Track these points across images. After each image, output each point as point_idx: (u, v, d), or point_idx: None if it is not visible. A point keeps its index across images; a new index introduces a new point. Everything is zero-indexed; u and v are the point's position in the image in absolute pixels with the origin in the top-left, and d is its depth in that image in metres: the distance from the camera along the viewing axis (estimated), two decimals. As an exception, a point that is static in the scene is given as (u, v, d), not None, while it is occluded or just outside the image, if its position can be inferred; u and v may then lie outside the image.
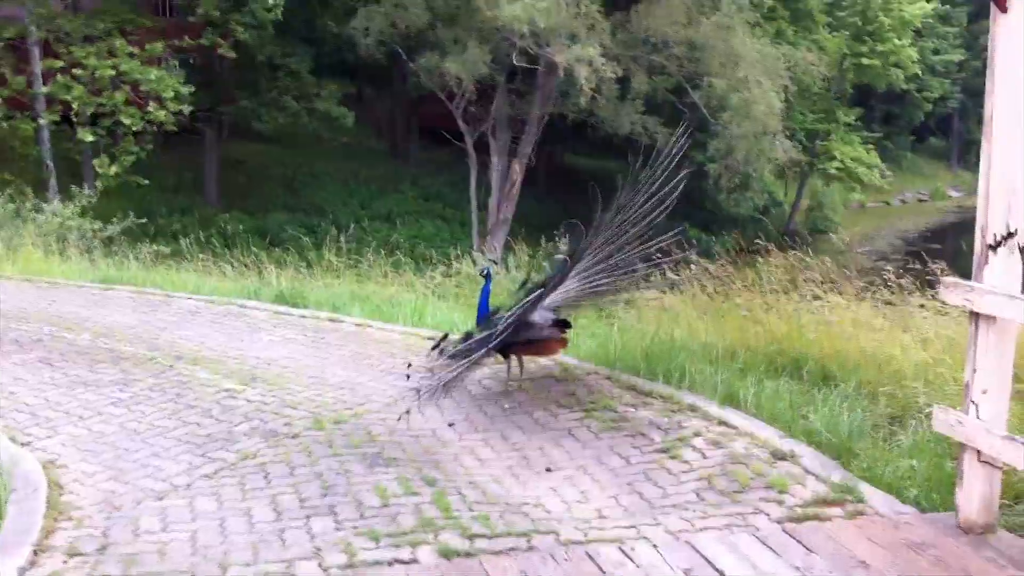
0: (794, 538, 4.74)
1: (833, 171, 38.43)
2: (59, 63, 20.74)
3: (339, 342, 9.05)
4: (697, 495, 5.43)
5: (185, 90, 21.25)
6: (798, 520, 5.00)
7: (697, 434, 6.30)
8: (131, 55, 21.08)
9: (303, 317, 9.96)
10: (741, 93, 24.97)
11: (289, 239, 19.27)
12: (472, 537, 4.92)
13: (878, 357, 7.13)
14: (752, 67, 24.95)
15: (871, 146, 40.30)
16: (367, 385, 7.69)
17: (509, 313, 7.05)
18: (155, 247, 15.24)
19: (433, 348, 7.02)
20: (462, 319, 9.76)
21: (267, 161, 30.28)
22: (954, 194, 51.78)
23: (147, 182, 20.96)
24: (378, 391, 7.52)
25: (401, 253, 15.48)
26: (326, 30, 27.57)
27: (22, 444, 6.41)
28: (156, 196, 23.39)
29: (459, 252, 17.02)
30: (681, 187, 7.19)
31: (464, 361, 6.74)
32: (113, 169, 20.02)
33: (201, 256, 13.68)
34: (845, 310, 8.29)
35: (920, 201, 49.81)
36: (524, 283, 7.93)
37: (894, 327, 7.52)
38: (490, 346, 6.85)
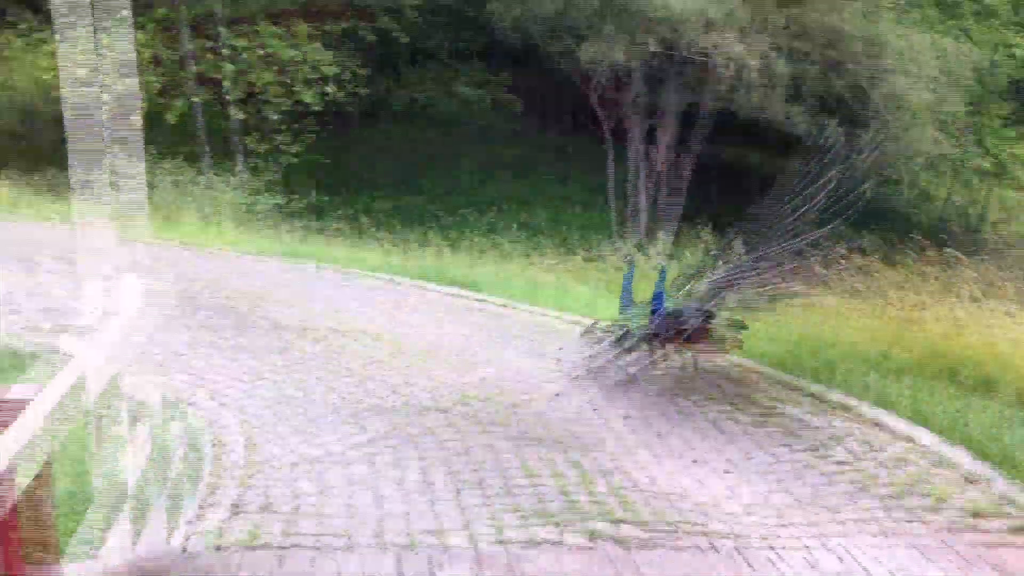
0: (953, 548, 4.60)
1: (987, 166, 36.65)
2: (243, 43, 21.53)
3: (484, 321, 9.20)
4: (850, 497, 5.32)
5: (361, 71, 21.93)
6: (958, 531, 4.84)
7: (849, 434, 6.17)
8: (309, 36, 21.87)
9: (447, 295, 10.17)
10: (910, 86, 24.03)
11: (431, 219, 19.65)
12: (618, 522, 4.94)
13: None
14: (918, 60, 24.03)
15: (1027, 143, 38.24)
16: (511, 364, 7.80)
17: (680, 304, 7.04)
18: (333, 224, 15.79)
19: (583, 334, 7.07)
20: (605, 305, 9.78)
21: (404, 142, 30.81)
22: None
23: (327, 160, 21.64)
24: (522, 370, 7.61)
25: (567, 241, 15.59)
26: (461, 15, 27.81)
27: (220, 403, 6.78)
28: (329, 176, 24.25)
29: (622, 241, 17.12)
30: (865, 195, 6.99)
31: (627, 347, 6.76)
32: (296, 147, 20.77)
33: (377, 234, 14.18)
34: (1007, 314, 7.98)
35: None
36: (686, 275, 7.89)
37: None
38: (646, 333, 6.85)
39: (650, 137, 26.40)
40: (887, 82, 23.69)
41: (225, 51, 21.34)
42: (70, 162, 4.69)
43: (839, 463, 5.79)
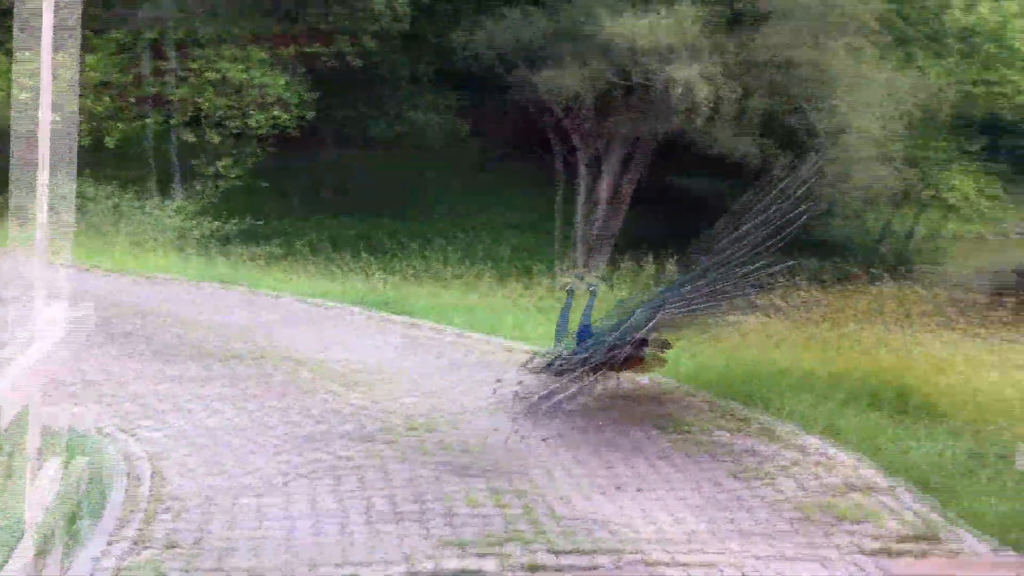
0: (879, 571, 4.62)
1: (951, 201, 37.16)
2: (194, 65, 21.48)
3: (439, 351, 9.17)
4: (791, 525, 5.33)
5: (308, 96, 21.85)
6: (893, 555, 4.87)
7: (795, 464, 6.20)
8: (262, 61, 21.77)
9: (405, 324, 10.12)
10: (858, 119, 24.38)
11: (396, 246, 19.56)
12: (559, 553, 4.92)
13: (989, 395, 6.90)
14: (869, 92, 24.37)
15: (992, 176, 38.88)
16: (463, 395, 7.76)
17: (613, 331, 7.03)
18: (268, 249, 15.67)
19: (524, 364, 7.07)
20: (542, 332, 9.79)
21: (369, 168, 30.81)
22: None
23: (266, 184, 21.55)
24: (473, 401, 7.58)
25: (502, 265, 15.60)
26: (431, 41, 27.91)
27: (129, 433, 6.67)
28: (265, 201, 24.06)
29: (562, 267, 17.14)
30: (800, 219, 7.05)
31: (576, 377, 6.75)
32: (236, 171, 20.66)
33: (311, 259, 14.03)
34: (957, 345, 8.07)
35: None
36: (623, 302, 7.93)
37: (1008, 365, 7.27)
38: (577, 360, 6.84)
39: (601, 164, 26.64)
40: (835, 114, 23.98)
41: (182, 73, 21.27)
42: (9, 186, 4.66)
43: (781, 492, 5.80)
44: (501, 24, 24.51)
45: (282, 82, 21.77)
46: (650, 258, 13.73)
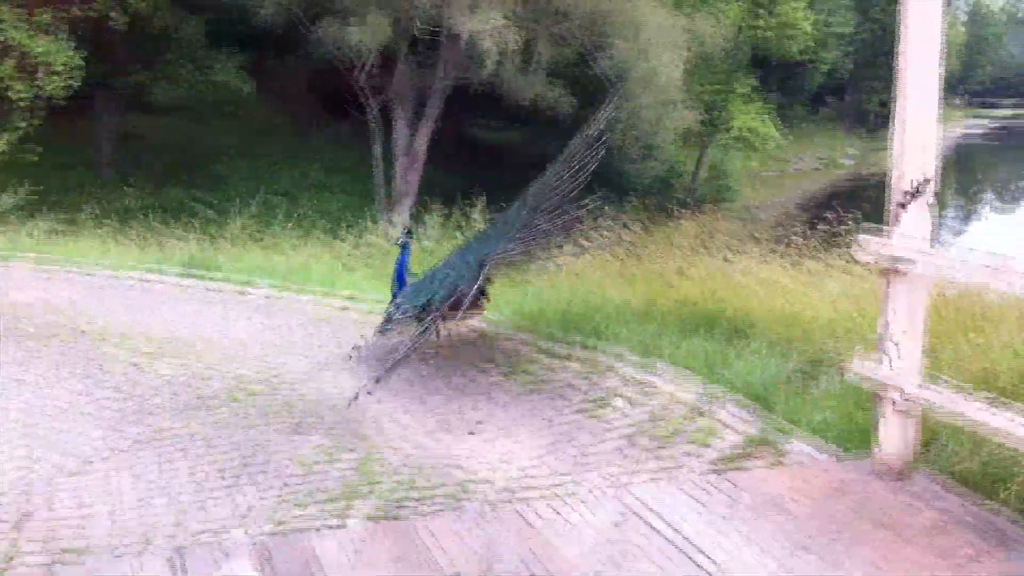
0: (717, 488, 4.81)
1: (731, 140, 39.12)
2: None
3: (249, 313, 8.88)
4: (620, 452, 5.49)
5: (76, 60, 20.42)
6: (720, 471, 5.09)
7: (617, 394, 6.37)
8: (18, 25, 20.14)
9: (210, 290, 9.74)
10: (646, 62, 25.15)
11: (189, 213, 18.73)
12: (400, 501, 4.89)
13: (787, 315, 7.28)
14: (655, 36, 25.14)
15: (767, 115, 41.14)
16: (280, 357, 7.56)
17: (448, 281, 6.97)
18: (49, 223, 14.71)
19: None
20: (373, 288, 9.68)
21: (163, 134, 29.39)
22: (847, 161, 53.26)
23: (36, 157, 20.13)
24: (291, 362, 7.41)
25: (306, 226, 15.28)
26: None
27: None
28: (48, 171, 22.51)
29: (367, 223, 16.88)
30: (599, 157, 7.21)
31: (419, 332, 6.64)
32: (1, 143, 19.18)
33: (99, 231, 13.24)
34: (753, 271, 8.46)
35: (816, 169, 51.07)
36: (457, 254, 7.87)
37: (802, 286, 7.69)
38: (435, 314, 6.74)
39: (416, 121, 26.48)
40: (644, 62, 24.69)
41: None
42: None
43: (607, 421, 5.96)
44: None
45: (41, 47, 20.30)
46: (455, 208, 13.69)
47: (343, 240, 14.08)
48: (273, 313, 8.88)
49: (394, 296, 7.36)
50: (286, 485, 5.18)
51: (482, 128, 36.71)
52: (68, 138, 25.34)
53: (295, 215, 15.52)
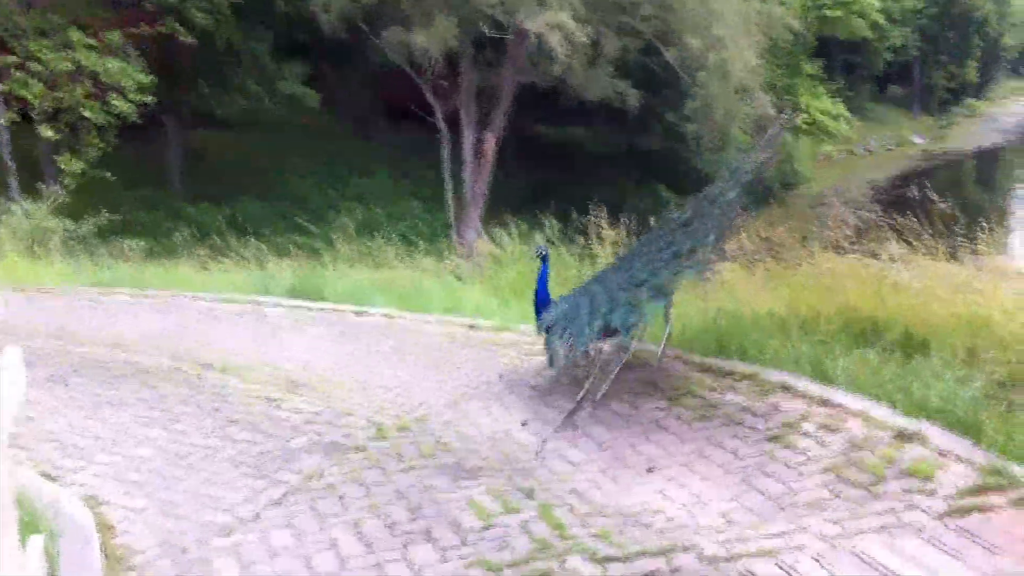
0: (966, 536, 4.22)
1: (802, 124, 38.12)
2: (12, 59, 19.63)
3: (373, 337, 8.41)
4: (830, 490, 4.89)
5: (146, 80, 20.26)
6: (960, 513, 4.47)
7: (803, 417, 5.76)
8: (89, 47, 20.02)
9: (324, 311, 9.28)
10: (717, 52, 24.40)
11: (273, 229, 18.43)
12: (603, 561, 4.36)
13: (970, 320, 6.62)
14: (728, 24, 24.38)
15: (837, 97, 40.13)
16: (418, 384, 7.08)
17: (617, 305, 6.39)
18: (133, 242, 14.46)
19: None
20: (499, 305, 9.19)
21: (229, 148, 29.26)
22: (917, 140, 51.84)
23: (113, 177, 19.97)
24: (431, 390, 6.92)
25: (383, 236, 14.88)
26: (279, 10, 26.59)
27: (52, 479, 5.76)
28: (119, 192, 22.39)
29: (442, 227, 16.48)
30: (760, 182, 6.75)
31: (609, 367, 6.06)
32: (78, 165, 19.03)
33: (190, 252, 12.92)
34: (913, 267, 7.79)
35: (888, 149, 49.71)
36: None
37: (987, 285, 7.00)
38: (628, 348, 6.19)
39: (484, 123, 26.01)
40: (716, 51, 23.96)
41: (33, 65, 19.40)
42: None
43: (802, 451, 5.36)
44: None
45: (113, 67, 20.16)
46: (526, 213, 13.16)
47: (425, 251, 13.64)
48: (397, 337, 8.38)
49: (538, 313, 6.79)
50: (466, 542, 4.69)
51: (547, 126, 36.13)
52: (136, 157, 25.26)
53: (371, 223, 15.12)
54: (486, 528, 4.79)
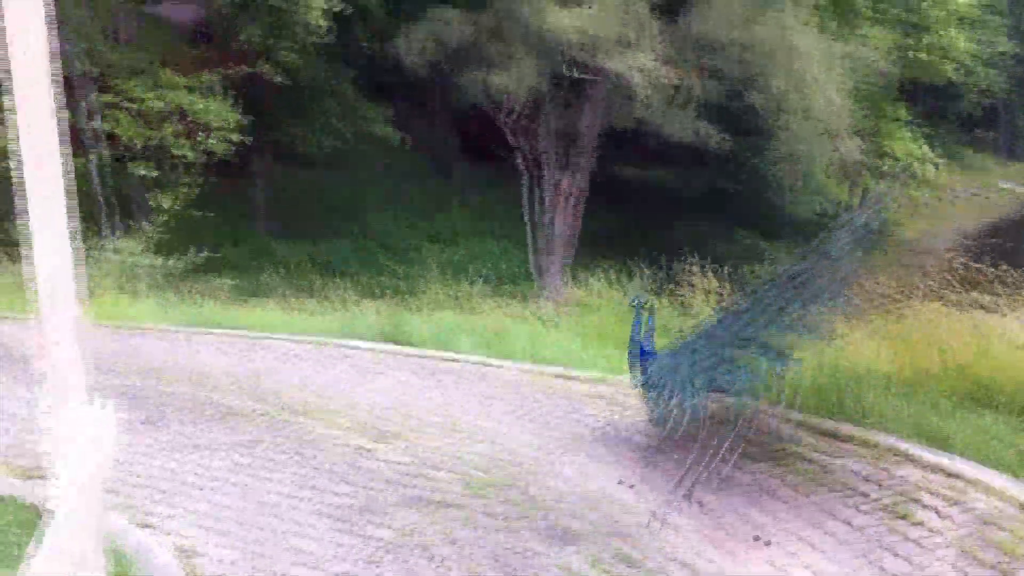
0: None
1: (887, 168, 37.35)
2: (108, 97, 20.15)
3: (459, 384, 8.24)
4: (958, 570, 4.57)
5: (236, 118, 20.63)
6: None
7: (918, 486, 5.44)
8: (181, 86, 20.48)
9: (409, 356, 9.15)
10: (801, 92, 24.04)
11: (352, 266, 18.50)
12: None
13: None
14: (812, 65, 24.02)
15: (924, 140, 39.27)
16: (507, 435, 6.89)
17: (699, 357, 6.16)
18: (220, 280, 14.59)
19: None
20: (581, 349, 8.98)
21: (312, 186, 29.63)
22: (1005, 186, 50.45)
23: (209, 214, 20.29)
24: (522, 442, 6.72)
25: (468, 278, 14.80)
26: (362, 51, 27.01)
27: (144, 526, 5.67)
28: (206, 229, 22.78)
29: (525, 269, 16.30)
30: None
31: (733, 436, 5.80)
32: (170, 202, 19.37)
33: (276, 290, 12.98)
34: (986, 317, 7.41)
35: (973, 195, 48.45)
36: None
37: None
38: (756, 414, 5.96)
39: (564, 163, 25.93)
40: (799, 92, 23.63)
41: (126, 103, 19.90)
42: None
43: (925, 525, 5.04)
44: (429, 27, 23.68)
45: (212, 107, 20.58)
46: (634, 258, 12.92)
47: (509, 293, 13.52)
48: (484, 384, 8.21)
49: (640, 364, 6.54)
50: (569, 612, 4.47)
51: (627, 166, 35.98)
52: (220, 194, 25.69)
53: (453, 262, 15.05)
54: (589, 598, 4.57)
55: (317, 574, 4.98)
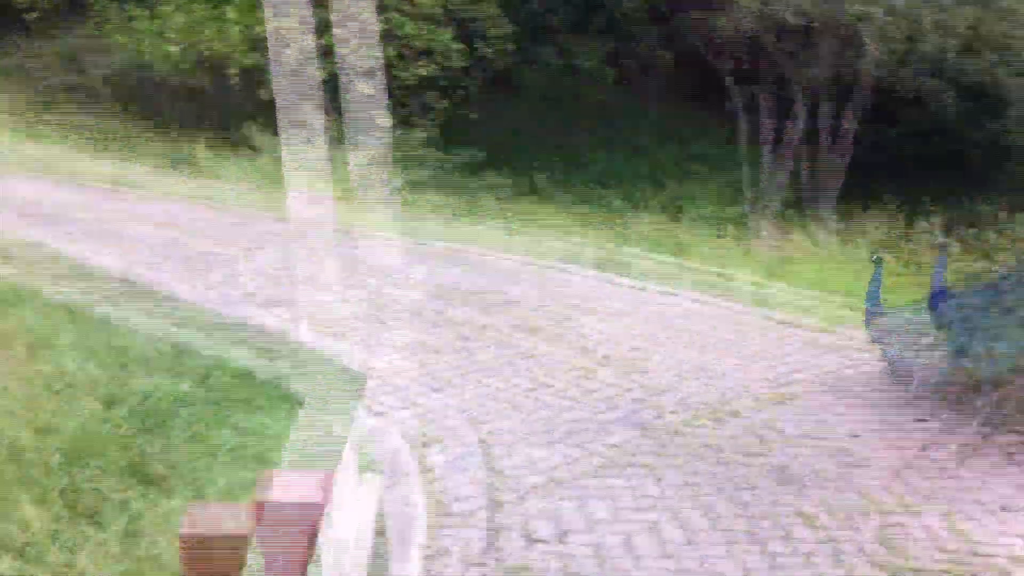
0: None
1: None
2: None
3: (680, 319, 8.06)
4: None
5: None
6: None
7: None
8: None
9: (633, 288, 9.02)
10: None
11: (568, 198, 18.52)
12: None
13: None
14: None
15: None
16: (731, 375, 6.72)
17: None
18: (439, 199, 14.89)
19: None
20: (801, 297, 8.67)
21: (527, 118, 29.84)
22: None
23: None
24: (747, 383, 6.55)
25: (686, 216, 14.56)
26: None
27: (377, 414, 5.93)
28: (432, 150, 23.37)
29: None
30: None
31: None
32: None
33: (506, 211, 13.20)
34: None
35: None
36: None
37: None
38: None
39: (783, 111, 25.03)
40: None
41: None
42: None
43: None
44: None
45: (447, 36, 20.99)
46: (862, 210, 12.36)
47: (731, 235, 13.24)
48: (705, 322, 7.97)
49: (933, 305, 6.23)
50: (796, 553, 4.36)
51: (852, 122, 34.40)
52: (440, 116, 26.20)
53: (686, 210, 14.84)
54: (819, 543, 4.44)
55: (543, 478, 5.08)
